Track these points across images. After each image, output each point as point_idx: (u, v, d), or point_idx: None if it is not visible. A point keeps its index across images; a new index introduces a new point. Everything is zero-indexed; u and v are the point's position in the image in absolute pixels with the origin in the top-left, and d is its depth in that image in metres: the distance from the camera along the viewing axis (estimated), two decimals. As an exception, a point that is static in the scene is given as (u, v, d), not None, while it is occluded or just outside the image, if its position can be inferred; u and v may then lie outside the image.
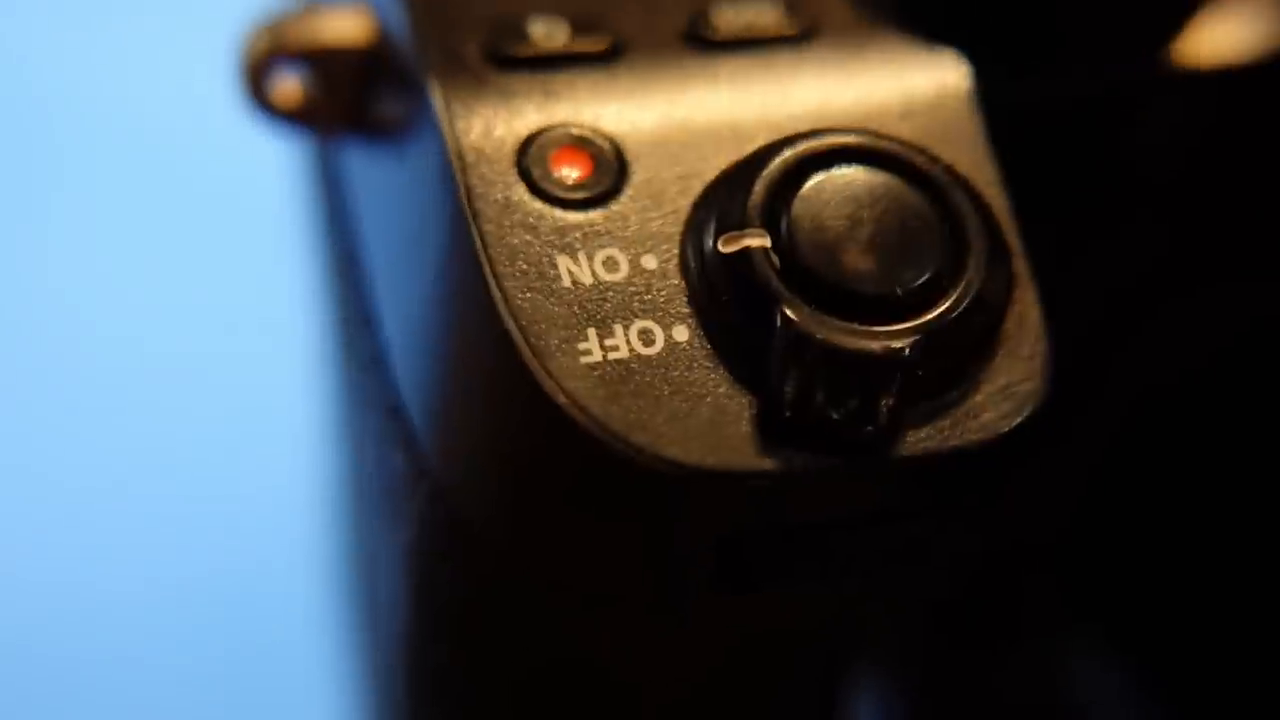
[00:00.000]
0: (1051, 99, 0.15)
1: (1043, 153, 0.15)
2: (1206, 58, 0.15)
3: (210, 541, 0.25)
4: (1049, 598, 0.19)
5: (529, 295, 0.12)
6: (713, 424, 0.11)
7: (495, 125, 0.12)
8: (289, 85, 0.15)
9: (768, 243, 0.12)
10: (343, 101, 0.15)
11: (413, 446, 0.13)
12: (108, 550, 0.25)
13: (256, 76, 0.15)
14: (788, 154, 0.12)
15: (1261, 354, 0.17)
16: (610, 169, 0.12)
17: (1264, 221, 0.16)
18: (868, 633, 0.15)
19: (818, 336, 0.11)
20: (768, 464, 0.11)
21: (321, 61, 0.15)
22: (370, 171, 0.15)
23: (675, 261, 0.12)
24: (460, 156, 0.12)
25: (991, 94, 0.13)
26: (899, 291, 0.11)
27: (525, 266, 0.12)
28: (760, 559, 0.12)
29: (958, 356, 0.12)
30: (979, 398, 0.12)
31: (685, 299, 0.12)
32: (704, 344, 0.12)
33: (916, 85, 0.13)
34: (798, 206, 0.12)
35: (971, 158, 0.13)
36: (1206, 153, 0.16)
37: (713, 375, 0.12)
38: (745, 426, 0.11)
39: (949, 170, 0.12)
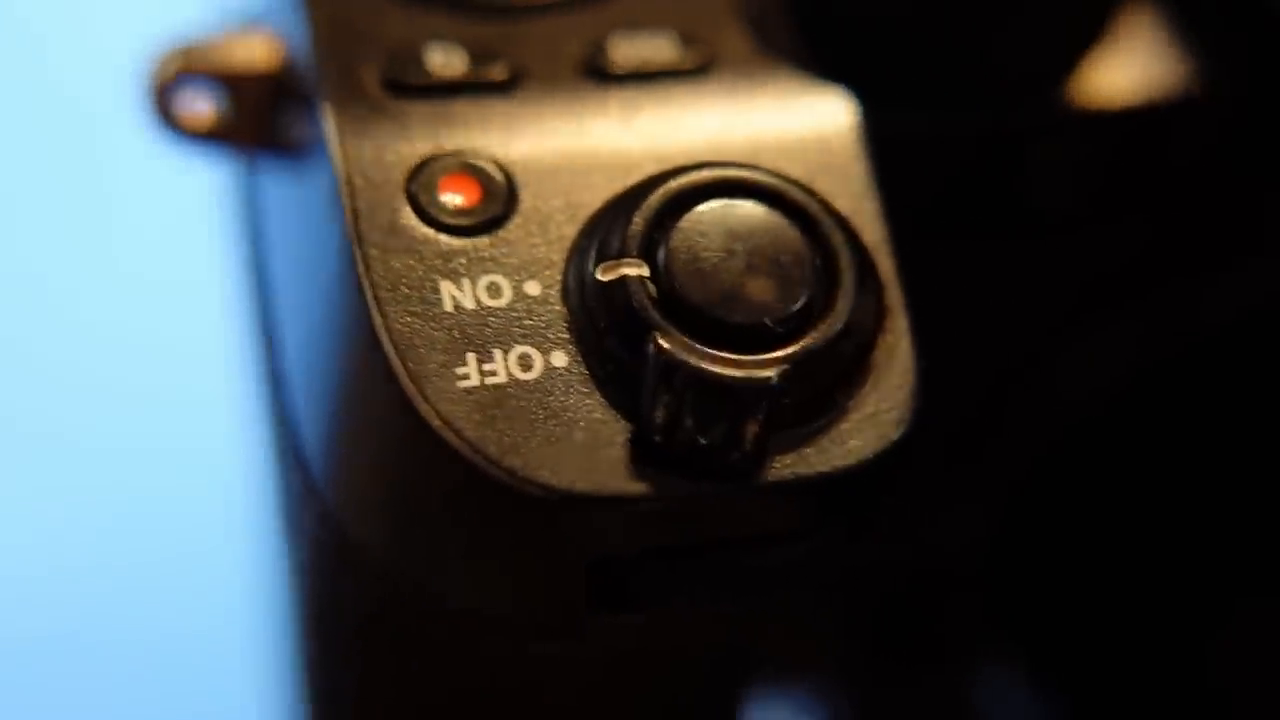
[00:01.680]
0: (948, 132, 0.15)
1: (937, 182, 0.15)
2: (1097, 98, 0.15)
3: (145, 548, 0.25)
4: (971, 618, 0.20)
5: (409, 319, 0.12)
6: (586, 449, 0.12)
7: (386, 151, 0.13)
8: (199, 106, 0.15)
9: (645, 272, 0.12)
10: (252, 122, 0.15)
11: (304, 467, 0.13)
12: (47, 551, 0.25)
13: (163, 97, 0.15)
14: (668, 186, 0.12)
15: (1159, 381, 0.17)
16: (499, 196, 0.13)
17: (1155, 254, 0.16)
18: (768, 652, 0.16)
19: (688, 363, 0.11)
20: (638, 488, 0.11)
21: (229, 84, 0.15)
22: (277, 191, 0.16)
23: (558, 288, 0.12)
24: (349, 180, 0.12)
25: (886, 126, 0.14)
26: (768, 322, 0.12)
27: (407, 290, 0.12)
28: (636, 580, 0.12)
29: (826, 385, 0.12)
30: (846, 425, 0.12)
31: (565, 325, 0.12)
32: (581, 370, 0.12)
33: (804, 122, 0.13)
34: (675, 237, 0.12)
35: (852, 192, 0.13)
36: (1096, 187, 0.16)
37: (588, 401, 0.12)
38: (617, 451, 0.12)
39: (825, 205, 0.13)
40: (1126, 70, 0.15)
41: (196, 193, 0.21)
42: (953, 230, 0.16)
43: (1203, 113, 0.15)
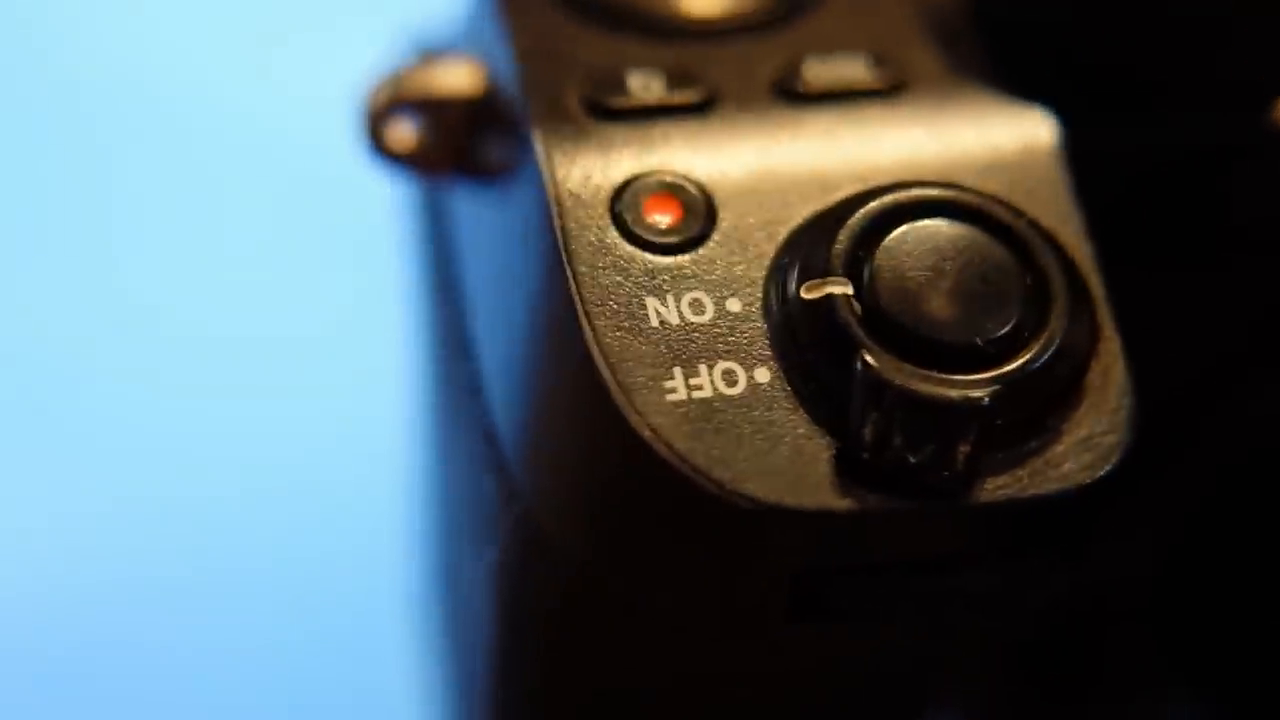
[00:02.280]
0: (1153, 149, 0.15)
1: (1142, 202, 0.15)
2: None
3: (303, 555, 0.26)
4: (1142, 650, 0.19)
5: (619, 334, 0.12)
6: (791, 463, 0.12)
7: (592, 172, 0.13)
8: (404, 131, 0.16)
9: (850, 290, 0.12)
10: (453, 147, 0.16)
11: (504, 471, 0.14)
12: (198, 551, 0.26)
13: (377, 124, 0.16)
14: (872, 205, 0.12)
15: None
16: (699, 215, 0.13)
17: None
18: (950, 674, 0.15)
19: (896, 382, 0.11)
20: (844, 503, 0.12)
21: (435, 110, 0.16)
22: (474, 211, 0.16)
23: (759, 305, 0.12)
24: (559, 201, 0.13)
25: (1090, 142, 0.13)
26: (979, 342, 0.12)
27: (616, 306, 0.12)
28: (836, 595, 0.12)
29: (1039, 407, 0.12)
30: (1060, 448, 0.12)
31: (767, 342, 0.12)
32: (785, 386, 0.12)
33: (1002, 140, 0.13)
34: (880, 256, 0.12)
35: (1056, 211, 0.13)
36: None
37: (793, 416, 0.12)
38: (823, 467, 0.12)
39: (1032, 223, 0.12)
40: None
41: (393, 210, 0.22)
42: (1154, 250, 0.15)
43: None
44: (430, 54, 0.17)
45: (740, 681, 0.14)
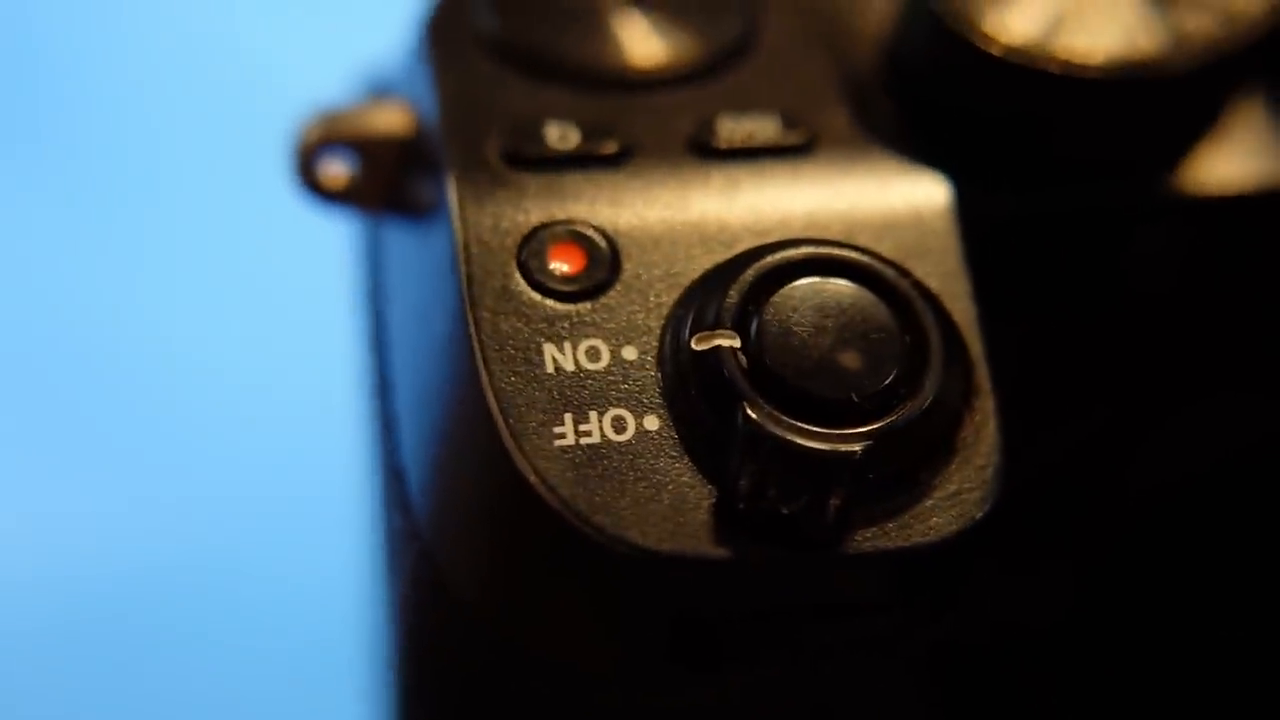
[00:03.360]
0: (1053, 213, 0.15)
1: (1038, 262, 0.15)
2: (1206, 184, 0.15)
3: (257, 577, 0.26)
4: (1046, 689, 0.19)
5: (513, 379, 0.13)
6: (673, 510, 0.12)
7: (501, 219, 0.14)
8: (336, 169, 0.17)
9: (737, 343, 0.12)
10: (383, 185, 0.17)
11: (407, 509, 0.14)
12: (163, 558, 0.26)
13: (307, 161, 0.17)
14: (764, 261, 0.13)
15: (1256, 465, 0.17)
16: (604, 264, 0.13)
17: (1257, 338, 0.16)
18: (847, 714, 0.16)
19: (774, 434, 0.12)
20: (719, 551, 0.12)
21: (365, 149, 0.17)
22: (400, 248, 0.17)
23: (654, 354, 0.13)
24: (466, 246, 0.13)
25: (984, 207, 0.14)
26: (854, 397, 0.12)
27: (513, 352, 0.13)
28: (718, 640, 0.13)
29: (910, 461, 0.12)
30: (929, 502, 0.12)
31: (659, 391, 0.13)
32: (672, 434, 0.12)
33: (899, 202, 0.14)
34: (768, 311, 0.12)
35: (944, 272, 0.13)
36: (1201, 272, 0.16)
37: (677, 464, 0.12)
38: (703, 515, 0.12)
39: (917, 284, 0.13)
40: (1234, 160, 0.15)
41: (333, 245, 0.22)
42: (1052, 309, 0.16)
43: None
44: (375, 93, 0.17)
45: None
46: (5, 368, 0.28)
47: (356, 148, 0.17)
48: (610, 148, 0.14)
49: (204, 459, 0.28)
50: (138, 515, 0.27)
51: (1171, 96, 0.14)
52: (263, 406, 0.28)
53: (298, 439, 0.28)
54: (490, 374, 0.13)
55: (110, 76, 0.31)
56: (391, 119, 0.16)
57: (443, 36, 0.15)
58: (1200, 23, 0.14)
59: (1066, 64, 0.14)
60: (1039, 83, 0.14)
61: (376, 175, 0.17)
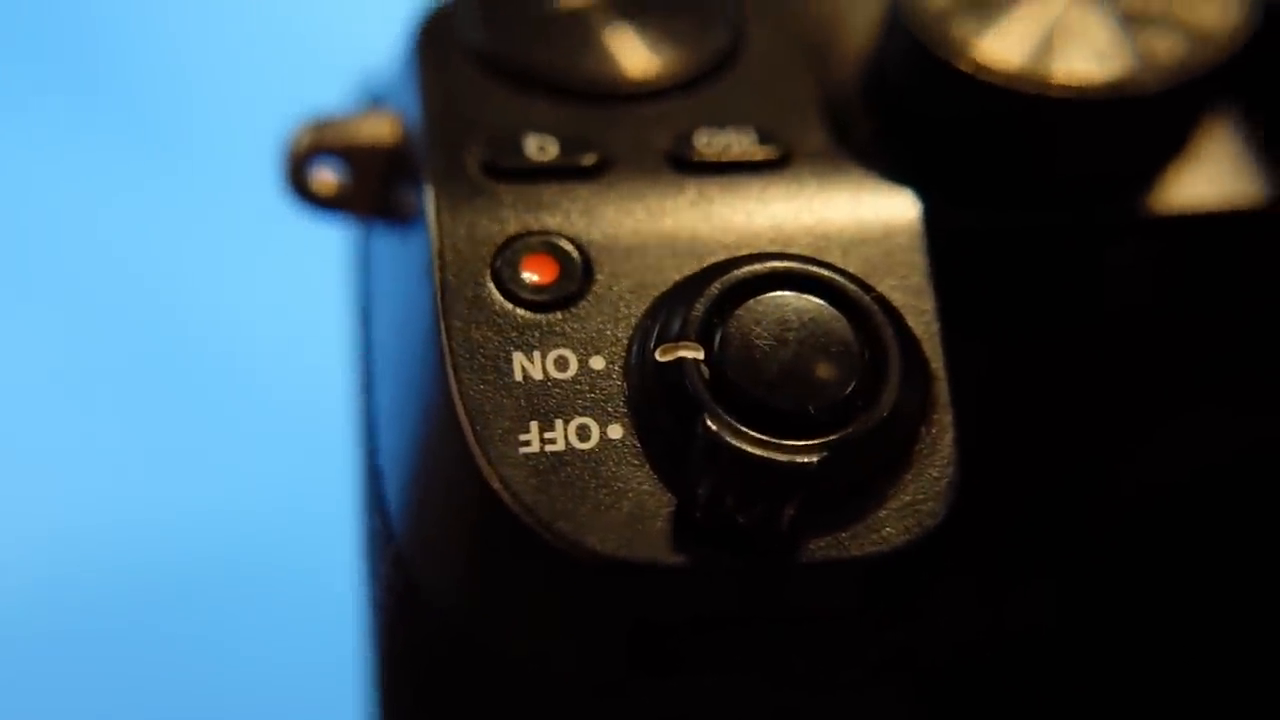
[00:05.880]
0: (1026, 230, 0.15)
1: (1011, 278, 0.15)
2: (1176, 202, 0.15)
3: (241, 572, 0.27)
4: (1026, 697, 0.19)
5: (482, 386, 0.13)
6: (632, 518, 0.12)
7: (477, 229, 0.14)
8: (326, 176, 0.17)
9: (701, 355, 0.13)
10: (371, 192, 0.17)
11: (384, 511, 0.14)
12: (152, 543, 0.27)
13: (297, 168, 0.17)
14: (730, 275, 0.13)
15: (1231, 479, 0.17)
16: (576, 275, 0.14)
17: (1231, 355, 0.16)
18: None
19: (732, 445, 0.12)
20: (677, 559, 0.12)
21: (355, 157, 0.17)
22: (386, 254, 0.17)
23: (621, 364, 0.13)
24: (441, 255, 0.14)
25: (958, 223, 0.14)
26: (812, 409, 0.12)
27: (482, 360, 0.13)
28: (672, 647, 0.13)
29: (865, 473, 0.12)
30: (883, 512, 0.12)
31: (624, 400, 0.13)
32: (635, 443, 0.13)
33: (869, 218, 0.14)
34: (732, 324, 0.13)
35: (909, 287, 0.13)
36: (1172, 288, 0.16)
37: (638, 473, 0.13)
38: (661, 523, 0.12)
39: (879, 299, 0.13)
40: (1205, 180, 0.15)
41: (326, 249, 0.23)
42: (1025, 324, 0.16)
43: (1272, 221, 0.15)
44: (369, 102, 0.18)
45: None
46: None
47: (345, 156, 0.17)
48: (588, 160, 0.14)
49: (199, 459, 0.28)
50: (132, 514, 0.27)
51: (1142, 116, 0.15)
52: (259, 408, 0.29)
53: (292, 441, 0.28)
54: (460, 380, 0.13)
55: (110, 75, 0.31)
56: (380, 128, 0.17)
57: (430, 46, 0.16)
58: (1169, 45, 0.14)
59: (1041, 85, 0.14)
60: (1014, 103, 0.14)
61: (365, 183, 0.17)
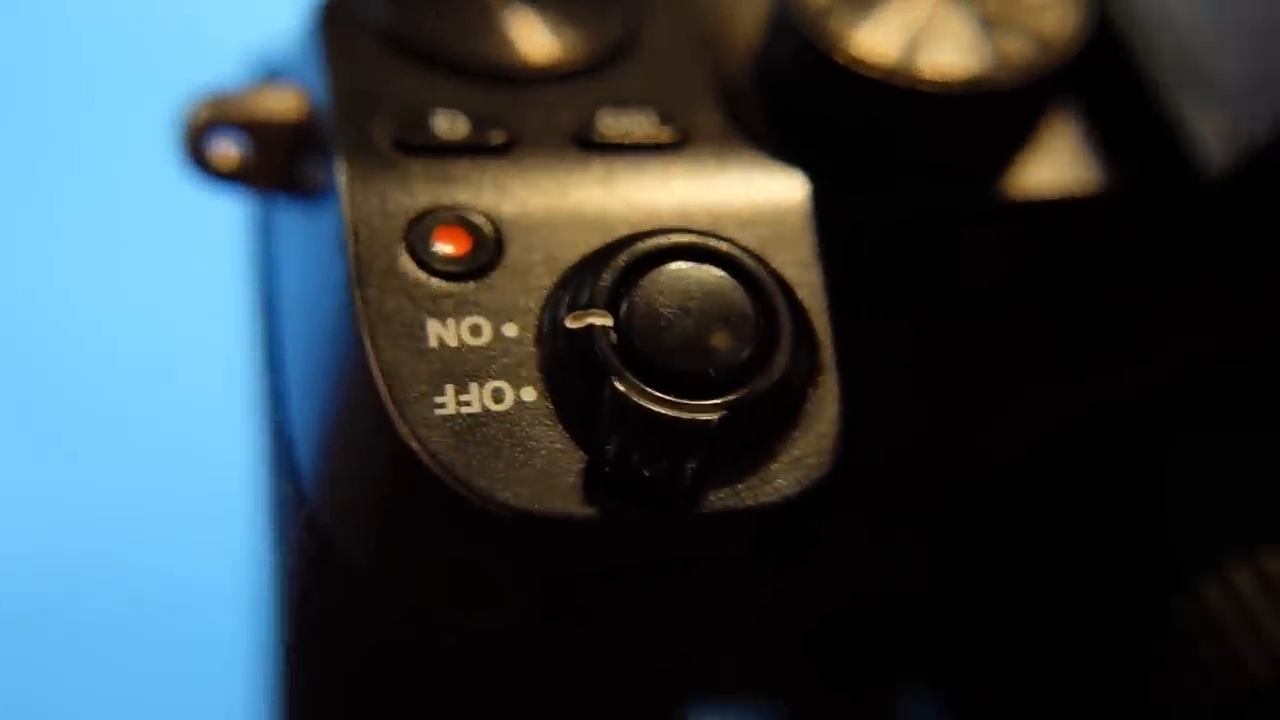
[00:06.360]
0: (894, 210, 0.17)
1: (883, 254, 0.17)
2: (1025, 188, 0.17)
3: (148, 545, 0.26)
4: (900, 647, 0.21)
5: (397, 352, 0.13)
6: (544, 474, 0.13)
7: (389, 202, 0.14)
8: (227, 149, 0.17)
9: (609, 322, 0.13)
10: (274, 166, 0.17)
11: (297, 477, 0.15)
12: (54, 534, 0.26)
13: (195, 142, 0.17)
14: (635, 247, 0.14)
15: (1072, 448, 0.19)
16: (488, 247, 0.14)
17: (1077, 331, 0.18)
18: (714, 668, 0.17)
19: (638, 405, 0.13)
20: (587, 511, 0.13)
21: (256, 131, 0.17)
22: (290, 228, 0.17)
23: (533, 331, 0.14)
24: (354, 227, 0.14)
25: (837, 204, 0.15)
26: (712, 372, 0.13)
27: (398, 327, 0.14)
28: (583, 596, 0.14)
29: (760, 430, 0.13)
30: (775, 466, 0.13)
31: (536, 365, 0.14)
32: (547, 405, 0.13)
33: (761, 197, 0.15)
34: (637, 293, 0.13)
35: (798, 261, 0.14)
36: (1022, 269, 0.18)
37: (550, 433, 0.13)
38: (573, 478, 0.13)
39: (772, 272, 0.14)
40: (1046, 169, 0.17)
41: (224, 222, 0.22)
42: (896, 297, 0.17)
43: (1108, 207, 0.17)
44: (266, 76, 0.18)
45: (516, 683, 0.15)
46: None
47: (246, 129, 0.17)
48: (498, 138, 0.15)
49: (96, 436, 0.27)
50: (34, 494, 0.26)
51: (996, 110, 0.16)
52: (155, 383, 0.28)
53: (190, 414, 0.28)
54: (376, 347, 0.13)
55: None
56: (282, 102, 0.17)
57: (335, 23, 0.16)
58: (1019, 46, 0.16)
59: (910, 79, 0.15)
60: (885, 94, 0.15)
61: (267, 156, 0.17)
